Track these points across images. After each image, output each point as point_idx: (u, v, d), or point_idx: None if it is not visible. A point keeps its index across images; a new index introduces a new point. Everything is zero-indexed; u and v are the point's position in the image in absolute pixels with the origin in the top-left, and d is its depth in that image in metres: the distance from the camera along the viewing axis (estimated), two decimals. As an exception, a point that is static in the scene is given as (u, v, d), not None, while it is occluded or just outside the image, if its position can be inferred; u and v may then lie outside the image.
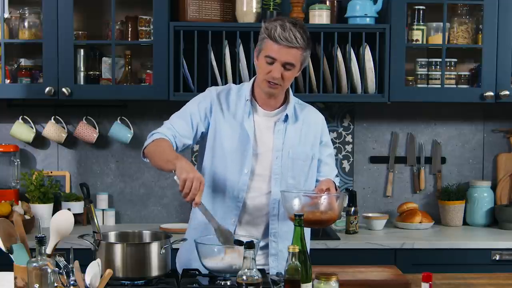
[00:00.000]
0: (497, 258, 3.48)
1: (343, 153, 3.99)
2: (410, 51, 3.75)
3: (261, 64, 2.54)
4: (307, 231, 2.68)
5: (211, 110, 2.63)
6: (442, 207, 3.92)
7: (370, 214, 3.86)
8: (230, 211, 2.60)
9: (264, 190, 2.61)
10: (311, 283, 2.12)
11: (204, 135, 2.65)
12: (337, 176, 2.76)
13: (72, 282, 1.97)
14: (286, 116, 2.63)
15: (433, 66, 3.79)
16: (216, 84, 3.54)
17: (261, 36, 2.54)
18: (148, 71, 3.76)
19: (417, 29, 3.76)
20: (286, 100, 2.67)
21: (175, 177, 2.34)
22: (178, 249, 2.77)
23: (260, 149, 2.61)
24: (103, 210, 3.86)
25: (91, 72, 3.78)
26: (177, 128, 2.59)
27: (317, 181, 2.69)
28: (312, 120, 2.71)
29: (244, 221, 2.62)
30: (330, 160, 2.75)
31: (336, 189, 2.56)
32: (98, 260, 2.05)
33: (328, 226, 2.59)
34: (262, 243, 2.62)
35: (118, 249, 2.28)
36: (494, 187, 3.97)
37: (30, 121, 3.84)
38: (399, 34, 3.63)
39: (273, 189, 2.59)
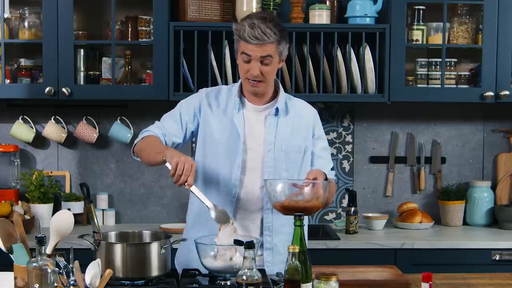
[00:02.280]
0: (497, 258, 3.48)
1: (343, 153, 3.99)
2: (410, 51, 3.75)
3: (240, 64, 2.57)
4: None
5: (200, 109, 2.65)
6: (442, 207, 3.92)
7: (370, 214, 3.86)
8: (224, 207, 2.59)
9: (258, 184, 2.61)
10: (311, 283, 2.11)
11: (194, 134, 2.68)
12: (332, 169, 2.74)
13: (72, 282, 1.97)
14: (277, 109, 2.63)
15: (433, 66, 3.79)
16: (216, 84, 3.54)
17: (235, 38, 2.55)
18: (148, 71, 3.76)
19: (417, 29, 3.76)
20: (276, 94, 2.67)
21: (167, 163, 2.36)
22: (178, 249, 2.77)
23: (251, 144, 2.61)
24: (103, 210, 3.86)
25: (91, 72, 3.78)
26: (166, 126, 2.63)
27: None
28: (303, 113, 2.70)
29: (239, 216, 2.62)
30: (324, 153, 2.72)
31: (327, 180, 2.52)
32: (98, 260, 2.05)
33: (312, 214, 2.57)
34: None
35: (118, 249, 2.28)
36: (494, 187, 3.96)
37: (30, 121, 3.84)
38: (399, 34, 3.63)
39: None
